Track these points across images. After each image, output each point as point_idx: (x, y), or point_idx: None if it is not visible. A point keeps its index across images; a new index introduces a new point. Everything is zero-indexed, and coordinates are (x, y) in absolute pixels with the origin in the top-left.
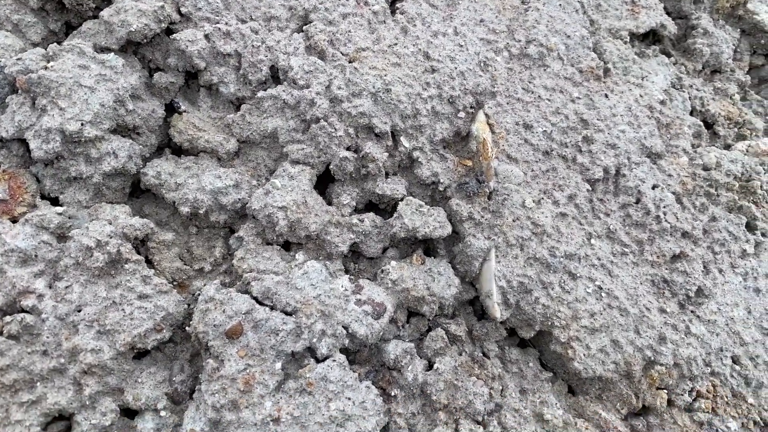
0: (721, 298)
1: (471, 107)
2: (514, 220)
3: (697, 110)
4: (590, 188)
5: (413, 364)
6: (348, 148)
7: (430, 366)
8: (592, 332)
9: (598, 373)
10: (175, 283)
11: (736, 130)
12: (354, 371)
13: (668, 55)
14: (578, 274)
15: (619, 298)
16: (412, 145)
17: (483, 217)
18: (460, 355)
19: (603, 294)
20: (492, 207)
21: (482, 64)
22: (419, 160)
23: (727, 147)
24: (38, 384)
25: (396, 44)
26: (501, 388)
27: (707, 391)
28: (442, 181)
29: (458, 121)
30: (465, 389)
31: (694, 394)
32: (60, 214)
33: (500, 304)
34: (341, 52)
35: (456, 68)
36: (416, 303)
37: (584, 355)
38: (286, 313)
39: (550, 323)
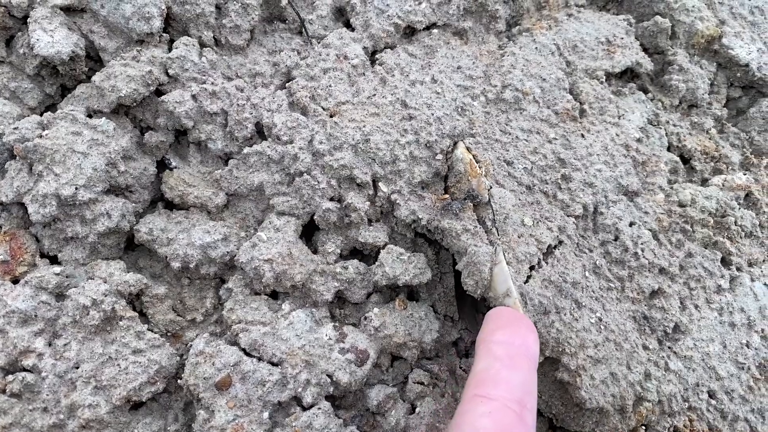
0: (697, 333)
1: (449, 149)
2: (519, 237)
3: (674, 146)
4: (575, 223)
5: (396, 409)
6: (331, 199)
7: (413, 409)
8: (596, 363)
9: (600, 404)
10: (168, 334)
11: (712, 164)
12: (339, 417)
13: (645, 92)
14: (583, 303)
15: (615, 331)
16: (390, 189)
17: (477, 227)
18: (443, 396)
19: (602, 326)
20: (490, 222)
21: (459, 109)
22: (398, 202)
23: (704, 181)
24: None
25: (374, 95)
26: None
27: (684, 426)
28: (421, 217)
29: (436, 163)
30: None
31: (672, 430)
32: (58, 274)
33: (520, 301)
34: (322, 107)
35: (433, 114)
36: (398, 348)
37: (590, 384)
38: (273, 364)
39: (561, 349)
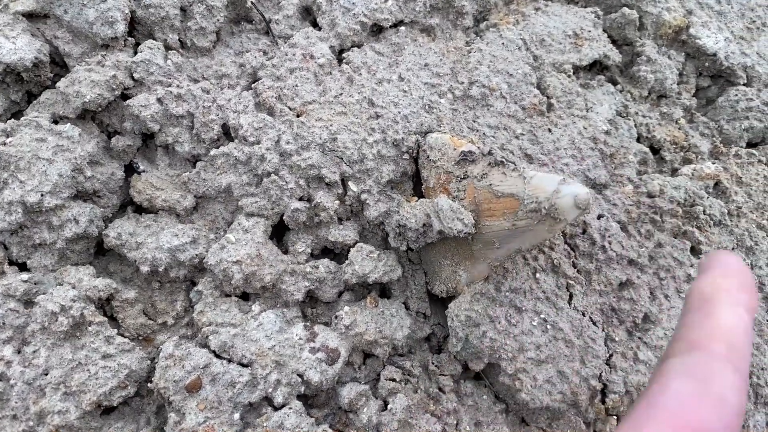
0: (667, 323)
1: (416, 146)
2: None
3: (643, 137)
4: None
5: (368, 406)
6: (300, 199)
7: (385, 405)
8: (539, 364)
9: (545, 404)
10: (140, 338)
11: (682, 154)
12: (312, 416)
13: (615, 83)
14: (524, 308)
15: (564, 329)
16: (360, 189)
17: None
18: (416, 392)
19: (548, 326)
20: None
21: (427, 107)
22: (367, 202)
23: (674, 171)
24: None
25: (341, 94)
26: (456, 422)
27: None
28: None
29: (404, 162)
30: (418, 427)
31: None
32: (26, 281)
33: None
34: (289, 107)
35: (400, 112)
36: (369, 346)
37: (531, 386)
38: (243, 365)
39: (498, 355)
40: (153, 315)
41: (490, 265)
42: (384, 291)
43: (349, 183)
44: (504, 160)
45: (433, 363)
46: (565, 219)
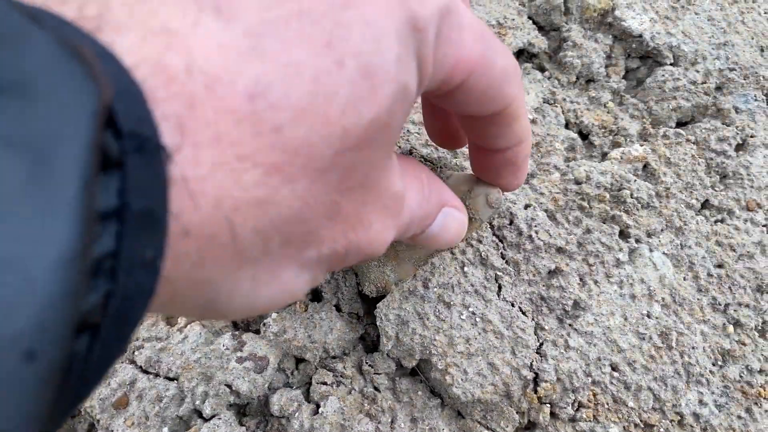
0: (597, 308)
1: None
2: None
3: (571, 123)
4: None
5: (300, 411)
6: None
7: (318, 409)
8: (469, 356)
9: (477, 396)
10: None
11: (611, 138)
12: (243, 424)
13: (543, 70)
14: (452, 302)
15: (493, 321)
16: None
17: None
18: (349, 393)
19: (478, 319)
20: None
21: None
22: None
23: (604, 156)
24: None
25: None
26: (391, 419)
27: (588, 400)
28: None
29: None
30: (351, 428)
31: (576, 405)
32: None
33: None
34: None
35: None
36: (299, 351)
37: (462, 379)
38: (169, 379)
39: (429, 351)
40: None
41: (415, 265)
42: (316, 294)
43: None
44: (423, 158)
45: (366, 363)
46: (480, 218)
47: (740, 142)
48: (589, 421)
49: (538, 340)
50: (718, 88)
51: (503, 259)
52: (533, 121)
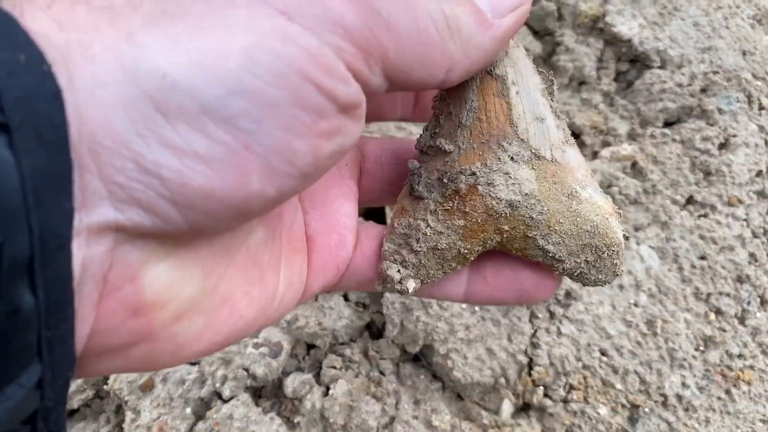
0: (587, 298)
1: None
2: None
3: None
4: None
5: (312, 393)
6: None
7: (328, 391)
8: (468, 343)
9: (476, 379)
10: None
11: (601, 137)
12: (259, 405)
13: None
14: None
15: (491, 310)
16: None
17: None
18: (357, 377)
19: (476, 308)
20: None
21: None
22: None
23: (595, 155)
24: None
25: None
26: (395, 401)
27: (578, 383)
28: None
29: None
30: (359, 408)
31: (567, 387)
32: None
33: None
34: None
35: None
36: (311, 338)
37: (462, 363)
38: (191, 364)
39: (432, 338)
40: None
41: None
42: None
43: None
44: None
45: (373, 349)
46: None
47: (723, 141)
48: (580, 402)
49: (533, 328)
50: (703, 90)
51: None
52: None
